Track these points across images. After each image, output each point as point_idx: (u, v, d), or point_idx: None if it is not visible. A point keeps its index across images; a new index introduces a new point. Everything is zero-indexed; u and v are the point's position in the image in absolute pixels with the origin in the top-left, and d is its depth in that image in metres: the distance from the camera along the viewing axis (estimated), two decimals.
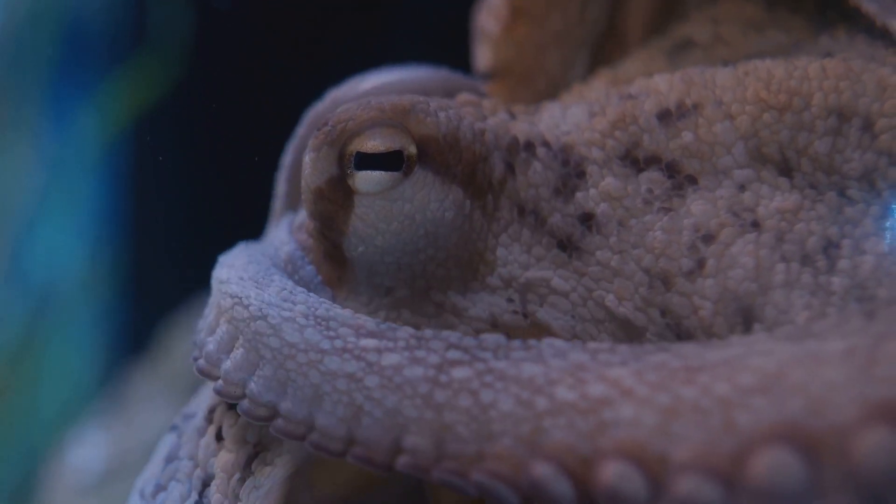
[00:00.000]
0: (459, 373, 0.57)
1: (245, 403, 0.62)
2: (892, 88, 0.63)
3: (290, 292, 0.64)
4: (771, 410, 0.50)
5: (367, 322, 0.61)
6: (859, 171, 0.63)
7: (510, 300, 0.66)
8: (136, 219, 2.04)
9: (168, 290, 1.75)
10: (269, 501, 0.63)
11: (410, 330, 0.60)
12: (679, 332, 0.62)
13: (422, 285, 0.66)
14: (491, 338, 0.59)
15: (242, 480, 0.64)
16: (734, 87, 0.65)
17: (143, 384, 1.60)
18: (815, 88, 0.64)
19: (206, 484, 0.66)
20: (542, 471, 0.53)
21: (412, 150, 0.64)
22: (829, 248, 0.62)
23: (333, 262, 0.68)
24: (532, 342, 0.59)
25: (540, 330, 0.65)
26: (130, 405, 1.58)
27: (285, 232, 0.73)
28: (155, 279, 1.91)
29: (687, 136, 0.65)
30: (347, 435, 0.58)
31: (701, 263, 0.62)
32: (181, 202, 1.80)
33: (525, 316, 0.65)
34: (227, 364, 0.63)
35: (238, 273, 0.67)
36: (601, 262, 0.64)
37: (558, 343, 0.58)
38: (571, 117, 0.69)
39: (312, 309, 0.62)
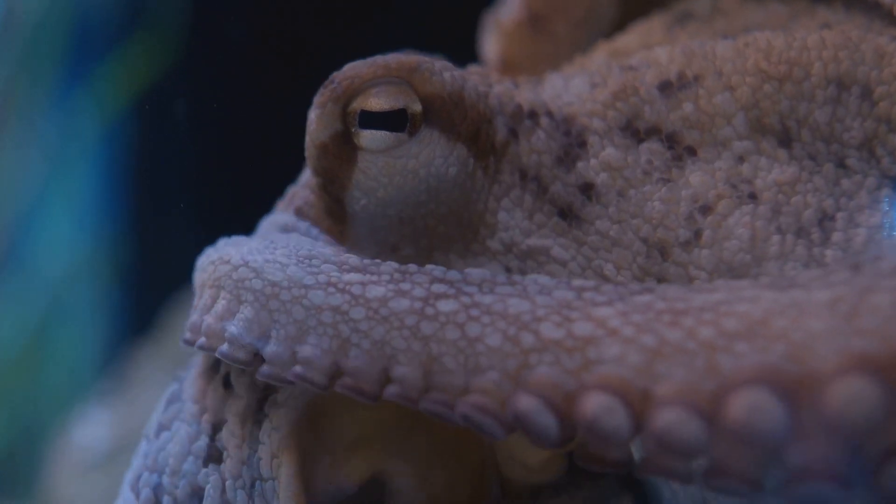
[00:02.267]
0: (446, 306, 0.58)
1: (224, 347, 0.61)
2: (889, 57, 0.63)
3: (272, 241, 0.64)
4: (753, 355, 0.52)
5: (351, 258, 0.61)
6: (859, 139, 0.63)
7: (508, 269, 0.66)
8: (137, 201, 2.04)
9: (171, 271, 1.75)
10: (289, 442, 0.63)
11: (394, 264, 0.61)
12: None
13: (425, 244, 0.67)
14: (475, 272, 0.60)
15: (259, 423, 0.65)
16: (734, 58, 0.66)
17: (146, 364, 1.61)
18: (815, 58, 0.64)
19: (216, 428, 0.66)
20: (527, 404, 0.54)
21: (416, 108, 0.65)
22: (824, 220, 0.62)
23: (335, 218, 0.68)
24: (517, 277, 0.60)
25: None
26: (134, 385, 1.58)
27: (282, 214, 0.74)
28: (158, 261, 1.92)
29: (687, 108, 0.66)
30: (333, 366, 0.58)
31: (698, 234, 0.63)
32: (182, 182, 1.81)
33: None
34: (209, 319, 0.63)
35: (221, 244, 0.67)
36: (600, 232, 0.65)
37: (542, 279, 0.59)
38: (573, 88, 0.69)
39: (295, 249, 0.62)
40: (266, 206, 0.83)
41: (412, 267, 0.60)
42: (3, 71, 2.02)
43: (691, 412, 0.51)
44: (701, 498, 0.63)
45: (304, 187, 0.72)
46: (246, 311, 0.61)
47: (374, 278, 0.59)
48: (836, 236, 0.61)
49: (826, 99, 0.64)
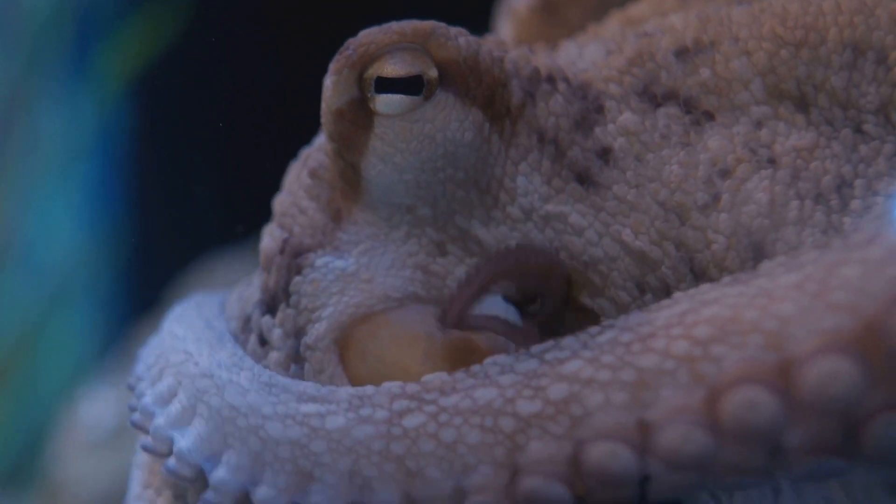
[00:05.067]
0: (412, 421, 0.57)
1: (172, 461, 0.61)
2: None
3: (240, 358, 0.64)
4: (732, 354, 0.52)
5: (309, 387, 0.60)
6: (876, 104, 0.64)
7: (528, 237, 0.66)
8: (139, 181, 2.04)
9: (175, 249, 1.75)
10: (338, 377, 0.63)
11: (350, 390, 0.60)
12: (692, 266, 0.63)
13: (444, 207, 0.67)
14: (434, 378, 0.59)
15: (301, 367, 0.65)
16: (750, 23, 0.66)
17: None
18: (831, 23, 0.64)
19: None
20: (531, 485, 0.54)
21: (432, 74, 0.65)
22: (843, 187, 0.62)
23: (348, 182, 0.68)
24: (475, 367, 0.59)
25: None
26: None
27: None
28: (161, 240, 1.92)
29: (704, 73, 0.66)
30: None
31: (716, 198, 0.63)
32: (186, 160, 1.80)
33: None
34: (161, 419, 0.63)
35: (196, 334, 0.67)
36: (618, 197, 0.65)
37: (501, 359, 0.59)
38: (588, 55, 0.69)
39: (257, 375, 0.62)
40: (269, 185, 0.83)
41: (369, 389, 0.59)
42: (11, 66, 2.01)
43: (691, 426, 0.52)
44: None
45: (318, 150, 0.72)
46: (199, 427, 0.60)
47: (333, 407, 0.58)
48: (855, 204, 0.61)
49: (842, 64, 0.64)
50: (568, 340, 0.58)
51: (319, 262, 0.67)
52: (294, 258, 0.68)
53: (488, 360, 0.59)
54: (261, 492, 0.57)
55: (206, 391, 0.61)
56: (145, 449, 0.64)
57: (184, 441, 0.60)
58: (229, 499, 0.59)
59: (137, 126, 2.01)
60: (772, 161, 0.63)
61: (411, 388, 0.58)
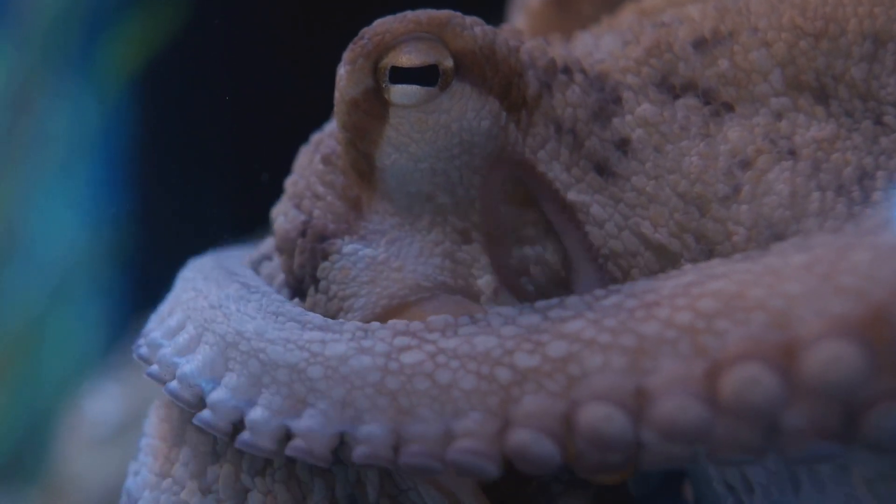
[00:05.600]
0: (410, 357, 0.57)
1: (173, 384, 0.62)
2: None
3: (248, 290, 0.64)
4: (736, 330, 0.52)
5: (315, 318, 0.61)
6: None
7: None
8: (142, 176, 2.03)
9: (179, 243, 1.75)
10: None
11: (357, 323, 0.60)
12: (712, 258, 0.62)
13: (463, 194, 0.66)
14: (438, 319, 0.59)
15: None
16: (769, 14, 0.65)
17: None
18: (851, 14, 0.64)
19: None
20: (522, 437, 0.53)
21: (448, 64, 0.64)
22: (864, 179, 0.62)
23: (360, 172, 0.68)
24: (479, 315, 0.59)
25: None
26: None
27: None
28: (166, 233, 1.91)
29: (723, 64, 0.65)
30: (282, 428, 0.57)
31: (737, 189, 0.62)
32: (189, 155, 1.80)
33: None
34: (167, 349, 0.63)
35: (205, 273, 0.68)
36: (637, 188, 0.64)
37: (505, 310, 0.59)
38: (605, 46, 0.69)
39: (265, 306, 0.62)
40: (273, 180, 0.82)
41: (374, 325, 0.60)
42: (23, 63, 2.01)
43: (689, 397, 0.52)
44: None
45: (330, 136, 0.71)
46: (204, 352, 0.61)
47: (336, 336, 0.58)
48: (877, 196, 0.61)
49: (862, 55, 0.64)
50: (572, 300, 0.58)
51: (347, 248, 0.67)
52: (318, 243, 0.67)
53: (493, 310, 0.59)
54: (255, 413, 0.58)
55: (213, 320, 0.62)
56: (150, 376, 0.64)
57: (188, 365, 0.61)
58: (225, 419, 0.59)
59: (140, 122, 2.00)
60: (792, 152, 0.63)
61: (415, 325, 0.59)
